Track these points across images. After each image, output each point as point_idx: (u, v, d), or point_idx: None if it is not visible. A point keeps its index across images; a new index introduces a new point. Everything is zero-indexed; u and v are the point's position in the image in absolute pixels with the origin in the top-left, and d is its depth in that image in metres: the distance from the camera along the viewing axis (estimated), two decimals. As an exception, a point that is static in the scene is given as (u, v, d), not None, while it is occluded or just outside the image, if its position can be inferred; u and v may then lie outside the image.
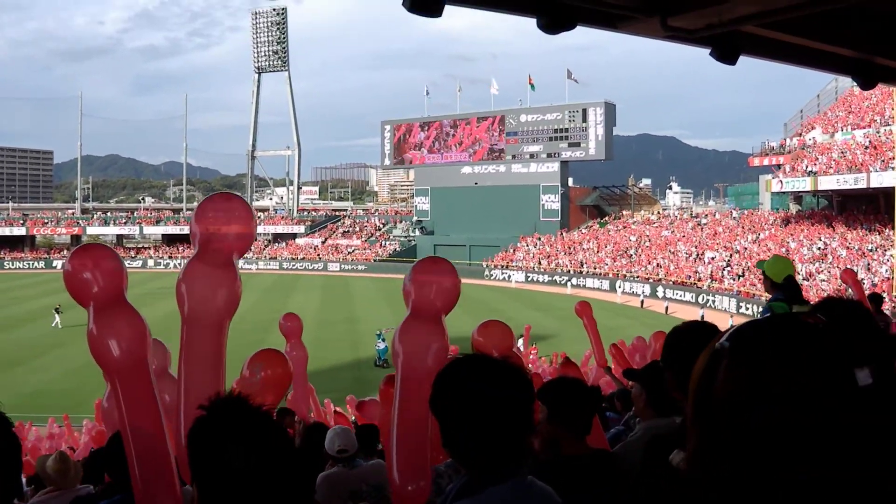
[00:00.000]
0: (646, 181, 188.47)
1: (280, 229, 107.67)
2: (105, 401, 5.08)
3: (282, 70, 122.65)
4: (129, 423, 3.65)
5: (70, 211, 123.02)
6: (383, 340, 35.35)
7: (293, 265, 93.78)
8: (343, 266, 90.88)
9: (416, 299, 4.16)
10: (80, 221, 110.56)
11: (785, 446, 1.00)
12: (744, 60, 7.11)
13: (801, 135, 68.76)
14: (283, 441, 2.05)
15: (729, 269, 58.31)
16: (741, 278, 55.20)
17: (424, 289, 4.20)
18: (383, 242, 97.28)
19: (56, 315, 43.99)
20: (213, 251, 3.86)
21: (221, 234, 3.88)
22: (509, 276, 74.65)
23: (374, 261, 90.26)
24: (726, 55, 6.91)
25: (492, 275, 76.84)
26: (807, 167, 59.71)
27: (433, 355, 4.07)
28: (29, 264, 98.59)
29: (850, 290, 11.56)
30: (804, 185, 59.24)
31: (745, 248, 61.36)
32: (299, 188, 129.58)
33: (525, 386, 2.33)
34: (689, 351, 3.24)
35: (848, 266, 43.90)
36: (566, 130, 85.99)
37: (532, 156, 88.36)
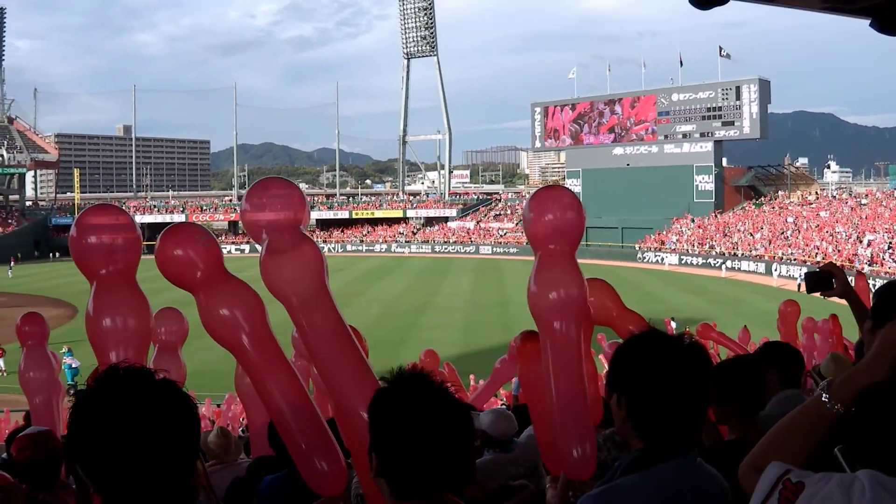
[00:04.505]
0: (802, 160, 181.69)
1: (432, 213, 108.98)
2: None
3: (430, 55, 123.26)
4: (271, 398, 3.75)
5: (227, 198, 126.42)
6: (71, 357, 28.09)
7: (445, 248, 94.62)
8: (495, 249, 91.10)
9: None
10: (237, 208, 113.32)
11: None
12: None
13: (969, 109, 65.74)
14: (462, 413, 2.12)
15: (890, 251, 56.24)
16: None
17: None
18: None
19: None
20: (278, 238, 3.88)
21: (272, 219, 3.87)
22: (662, 259, 73.71)
23: (526, 244, 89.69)
24: (888, 26, 6.78)
25: (644, 257, 76.09)
26: (976, 143, 57.11)
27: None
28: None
29: None
30: (972, 161, 56.78)
31: (909, 229, 59.03)
32: (450, 172, 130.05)
33: (703, 366, 2.36)
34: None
35: None
36: (719, 109, 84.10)
37: (685, 135, 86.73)
